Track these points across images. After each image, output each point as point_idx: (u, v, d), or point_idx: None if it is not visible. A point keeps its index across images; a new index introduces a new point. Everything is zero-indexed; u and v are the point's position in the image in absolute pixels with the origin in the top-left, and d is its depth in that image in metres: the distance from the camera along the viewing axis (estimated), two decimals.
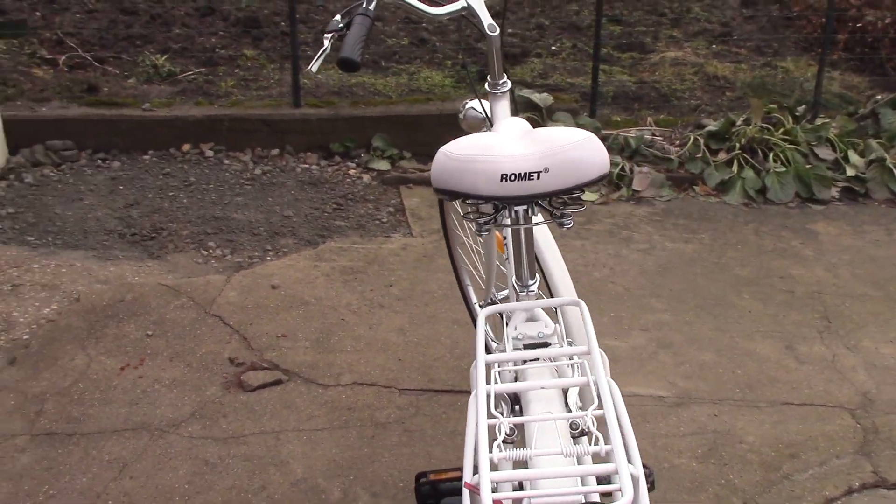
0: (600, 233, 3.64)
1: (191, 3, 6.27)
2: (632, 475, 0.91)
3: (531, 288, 1.40)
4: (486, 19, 1.75)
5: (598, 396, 1.05)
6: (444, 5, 1.77)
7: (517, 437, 1.08)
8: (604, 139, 4.39)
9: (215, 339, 2.75)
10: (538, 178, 1.15)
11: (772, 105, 4.50)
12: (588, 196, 4.01)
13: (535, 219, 1.91)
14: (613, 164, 4.15)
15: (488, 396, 1.07)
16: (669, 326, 2.92)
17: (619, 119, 4.70)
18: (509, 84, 1.87)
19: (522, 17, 6.32)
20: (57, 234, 3.48)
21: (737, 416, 2.46)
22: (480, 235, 1.26)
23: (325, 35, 1.61)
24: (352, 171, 4.19)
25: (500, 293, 2.27)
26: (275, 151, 4.30)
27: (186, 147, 4.29)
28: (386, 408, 2.44)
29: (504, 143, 1.16)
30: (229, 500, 2.07)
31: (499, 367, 1.14)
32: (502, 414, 1.06)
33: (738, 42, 6.02)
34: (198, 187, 3.95)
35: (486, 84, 1.85)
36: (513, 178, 1.14)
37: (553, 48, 5.84)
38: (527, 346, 1.26)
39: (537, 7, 6.53)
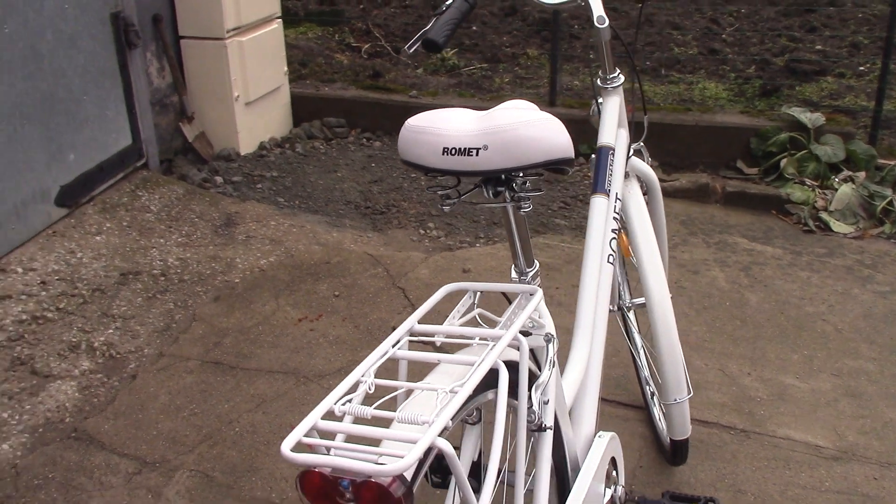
0: (837, 267, 3.30)
1: (498, 3, 6.56)
2: (426, 452, 0.89)
3: (528, 275, 1.36)
4: (597, 10, 1.71)
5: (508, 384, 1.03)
6: None
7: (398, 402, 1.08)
8: (878, 168, 3.96)
9: (390, 308, 2.91)
10: (477, 154, 1.13)
11: None
12: (840, 227, 3.66)
13: (633, 198, 1.84)
14: (880, 196, 3.74)
15: (386, 358, 1.08)
16: (868, 377, 2.60)
17: None
18: (621, 79, 1.81)
19: (834, 33, 5.83)
20: (304, 198, 3.86)
21: None
22: (443, 208, 1.26)
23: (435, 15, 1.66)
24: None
25: (637, 299, 2.20)
26: None
27: None
28: None
29: (455, 118, 1.16)
30: None
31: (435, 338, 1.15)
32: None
33: None
34: None
35: (598, 79, 1.80)
36: (454, 152, 1.13)
37: (861, 69, 5.33)
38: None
39: (858, 25, 5.99)
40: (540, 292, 1.25)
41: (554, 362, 1.27)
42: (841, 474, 2.19)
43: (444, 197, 1.23)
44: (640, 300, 2.24)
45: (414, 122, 1.16)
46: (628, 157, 1.88)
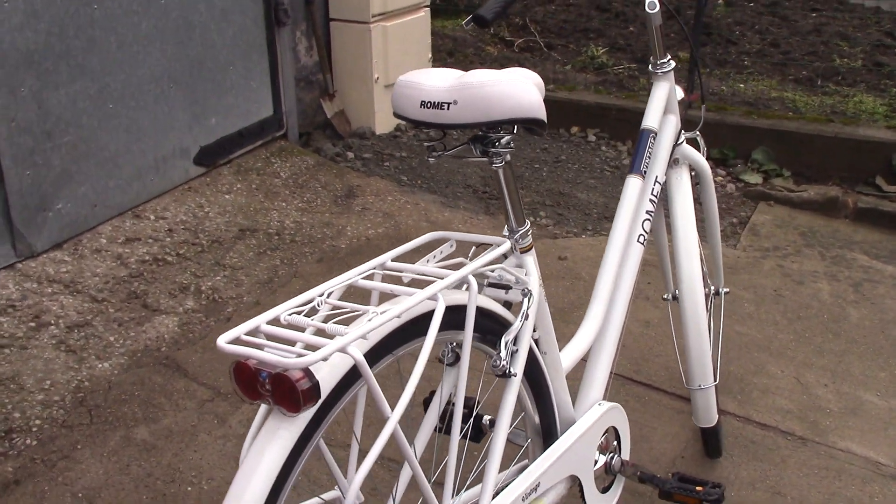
0: None
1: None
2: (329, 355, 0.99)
3: (518, 233, 1.44)
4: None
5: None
6: None
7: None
8: None
9: None
10: (447, 108, 1.22)
11: None
12: None
13: (679, 185, 1.85)
14: None
15: (347, 284, 1.20)
16: None
17: None
18: (672, 65, 1.84)
19: None
20: (426, 179, 4.02)
21: None
22: (428, 159, 1.35)
23: None
24: (718, 178, 4.10)
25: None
26: None
27: (575, 129, 4.57)
28: None
29: (436, 75, 1.25)
30: None
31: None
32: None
33: None
34: (563, 165, 4.22)
35: (649, 65, 1.84)
36: (429, 105, 1.23)
37: None
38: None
39: None
40: (506, 244, 1.33)
41: (528, 316, 1.35)
42: (894, 493, 2.12)
43: (430, 149, 1.33)
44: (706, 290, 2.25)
45: (403, 77, 1.27)
46: (678, 144, 1.90)
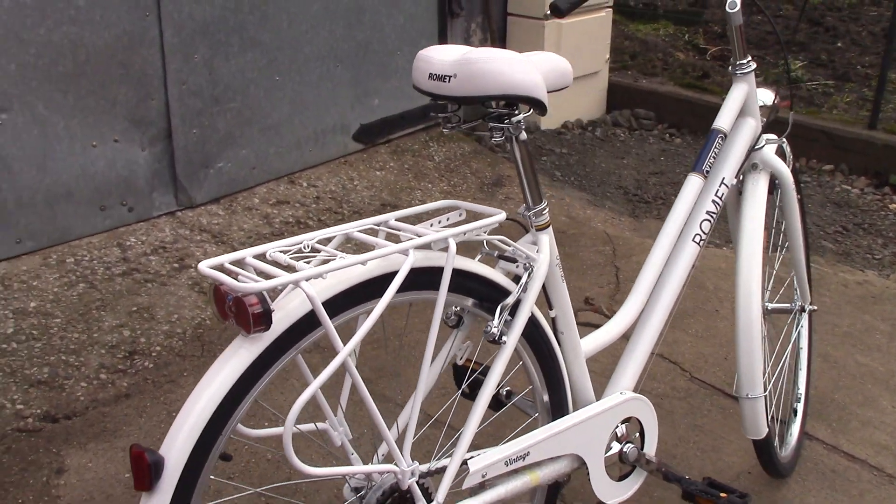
0: None
1: (881, 24, 6.12)
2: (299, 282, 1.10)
3: (533, 211, 1.48)
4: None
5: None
6: None
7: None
8: None
9: (594, 281, 3.03)
10: (448, 81, 1.28)
11: None
12: None
13: (753, 191, 1.81)
14: None
15: (342, 233, 1.31)
16: None
17: None
18: (752, 66, 1.80)
19: None
20: (579, 176, 4.05)
21: None
22: (443, 130, 1.41)
23: None
24: (892, 206, 3.85)
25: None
26: (828, 166, 4.16)
27: None
28: (674, 389, 2.48)
29: (447, 51, 1.31)
30: None
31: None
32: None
33: None
34: None
35: (730, 66, 1.82)
36: (434, 77, 1.30)
37: None
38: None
39: None
40: (500, 215, 1.38)
41: (526, 288, 1.40)
42: None
43: (445, 120, 1.41)
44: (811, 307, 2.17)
45: (422, 52, 1.35)
46: (756, 149, 1.86)
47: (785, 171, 1.90)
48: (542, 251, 1.46)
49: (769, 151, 1.89)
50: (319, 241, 1.27)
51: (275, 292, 1.18)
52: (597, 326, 2.53)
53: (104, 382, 2.35)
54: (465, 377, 1.60)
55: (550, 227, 1.49)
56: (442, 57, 1.30)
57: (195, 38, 3.03)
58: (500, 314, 1.38)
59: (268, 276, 1.13)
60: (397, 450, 1.26)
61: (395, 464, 1.28)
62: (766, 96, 1.91)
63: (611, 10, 4.66)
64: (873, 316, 2.91)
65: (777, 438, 2.09)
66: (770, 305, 2.13)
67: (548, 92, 1.40)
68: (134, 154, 2.97)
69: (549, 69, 1.38)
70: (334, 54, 3.55)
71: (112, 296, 2.67)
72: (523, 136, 1.40)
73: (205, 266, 1.16)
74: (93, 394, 2.30)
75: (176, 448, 1.11)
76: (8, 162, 2.67)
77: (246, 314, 1.11)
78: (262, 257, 1.23)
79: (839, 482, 2.13)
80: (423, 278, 1.30)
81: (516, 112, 1.36)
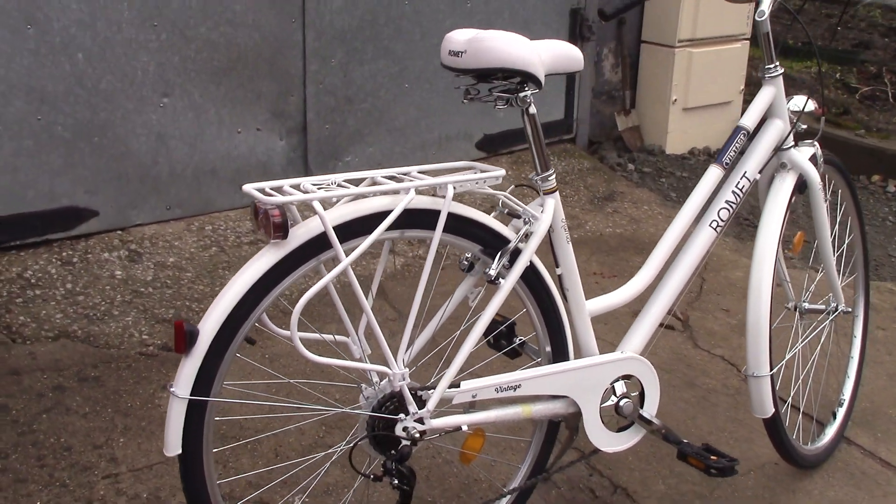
0: None
1: None
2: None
3: (540, 177, 1.70)
4: (763, 4, 1.91)
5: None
6: None
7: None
8: None
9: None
10: (460, 56, 1.54)
11: None
12: None
13: (777, 188, 1.95)
14: None
15: (365, 177, 1.59)
16: None
17: None
18: (779, 71, 1.96)
19: None
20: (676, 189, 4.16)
21: None
22: (463, 101, 1.65)
23: None
24: None
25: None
26: None
27: (877, 178, 4.39)
28: (725, 386, 2.61)
29: (468, 31, 1.57)
30: None
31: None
32: None
33: None
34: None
35: (759, 71, 1.99)
36: (451, 53, 1.56)
37: None
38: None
39: None
40: (499, 172, 1.62)
41: (525, 237, 1.64)
42: None
43: (466, 92, 1.67)
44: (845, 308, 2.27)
45: (447, 34, 1.62)
46: (783, 149, 2.01)
47: (813, 172, 2.03)
48: (546, 211, 1.69)
49: (798, 153, 2.03)
50: (348, 181, 1.57)
51: (303, 217, 1.49)
52: (670, 329, 2.72)
53: None
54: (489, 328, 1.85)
55: (557, 193, 1.72)
56: (458, 37, 1.57)
57: (333, 44, 3.44)
58: (500, 259, 1.63)
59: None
60: (389, 353, 1.53)
61: (388, 367, 1.54)
62: (802, 102, 2.05)
63: (748, 42, 4.76)
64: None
65: (801, 431, 2.19)
66: (806, 305, 2.25)
67: (556, 73, 1.64)
68: (273, 142, 3.40)
69: (556, 53, 1.62)
70: None
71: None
72: (532, 109, 1.65)
73: (248, 186, 1.48)
74: None
75: (208, 324, 1.43)
76: (166, 139, 3.15)
77: (269, 223, 1.42)
78: (297, 186, 1.53)
79: (865, 483, 2.20)
80: (427, 219, 1.56)
81: (525, 88, 1.61)
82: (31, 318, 2.64)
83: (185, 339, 1.42)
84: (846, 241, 2.38)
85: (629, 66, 4.59)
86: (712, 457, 1.82)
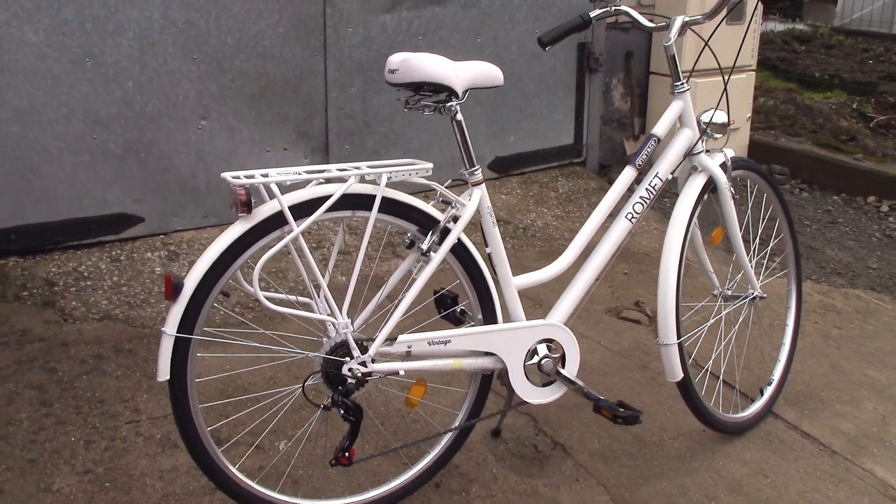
0: None
1: None
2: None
3: (468, 172, 2.09)
4: (671, 32, 2.28)
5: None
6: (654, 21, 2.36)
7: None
8: None
9: (651, 291, 3.50)
10: (395, 73, 1.94)
11: None
12: None
13: (688, 188, 2.30)
14: None
15: (321, 171, 2.01)
16: None
17: None
18: (685, 87, 2.32)
19: None
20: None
21: None
22: (404, 109, 2.06)
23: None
24: None
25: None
26: None
27: (872, 199, 4.64)
28: None
29: (398, 55, 1.97)
30: None
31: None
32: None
33: None
34: (835, 226, 4.37)
35: (669, 87, 2.35)
36: (389, 71, 1.97)
37: None
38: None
39: None
40: (426, 165, 2.01)
41: (453, 220, 2.03)
42: None
43: (406, 103, 2.07)
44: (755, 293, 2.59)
45: (389, 56, 2.03)
46: (693, 154, 2.36)
47: (720, 175, 2.37)
48: (472, 200, 2.08)
49: (707, 158, 2.38)
50: (309, 171, 1.98)
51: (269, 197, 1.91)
52: (637, 323, 3.08)
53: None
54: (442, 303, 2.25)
55: (483, 185, 2.11)
56: (394, 59, 1.98)
57: (352, 74, 3.90)
58: (430, 236, 2.02)
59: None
60: (335, 305, 1.93)
61: (335, 317, 1.94)
62: (721, 116, 2.40)
63: (753, 72, 5.07)
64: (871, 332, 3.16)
65: (721, 400, 2.51)
66: (729, 292, 2.58)
67: (479, 88, 2.04)
68: (298, 160, 3.86)
69: (476, 72, 2.01)
70: (474, 96, 4.29)
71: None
72: (459, 117, 2.04)
73: (225, 174, 1.90)
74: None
75: (190, 279, 1.84)
76: (204, 156, 3.63)
77: (237, 201, 1.84)
78: (266, 175, 1.96)
79: (781, 448, 2.50)
80: (369, 202, 1.96)
81: (451, 100, 2.01)
82: (81, 303, 3.12)
83: (172, 289, 1.84)
84: (774, 239, 2.70)
85: (637, 96, 4.95)
86: (620, 409, 2.17)
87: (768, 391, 2.66)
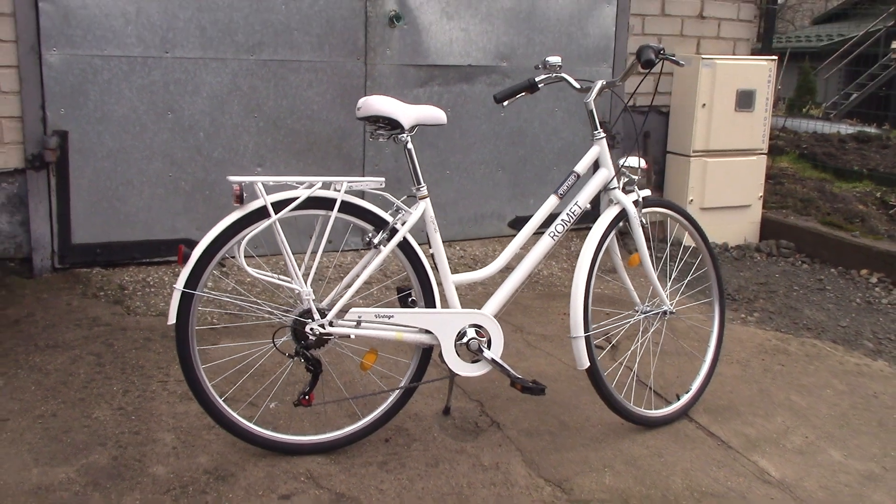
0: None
1: None
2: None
3: (415, 189, 2.72)
4: (590, 96, 2.90)
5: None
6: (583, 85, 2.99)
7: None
8: None
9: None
10: (359, 111, 2.63)
11: None
12: None
13: (602, 218, 2.87)
14: None
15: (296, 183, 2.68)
16: (884, 467, 2.83)
17: None
18: (601, 135, 2.92)
19: None
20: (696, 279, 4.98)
21: None
22: (370, 138, 2.72)
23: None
24: None
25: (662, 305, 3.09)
26: None
27: (864, 272, 5.03)
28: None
29: (364, 98, 2.65)
30: None
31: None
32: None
33: None
34: (821, 292, 4.78)
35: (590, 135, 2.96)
36: (357, 109, 2.65)
37: None
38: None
39: None
40: (379, 180, 2.66)
41: (401, 223, 2.66)
42: (761, 495, 2.72)
43: (373, 135, 2.74)
44: (665, 308, 3.10)
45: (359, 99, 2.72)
46: (609, 189, 2.94)
47: (631, 208, 2.94)
48: (417, 209, 2.72)
49: (621, 193, 2.95)
50: (297, 182, 2.67)
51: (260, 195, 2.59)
52: (599, 348, 3.61)
53: None
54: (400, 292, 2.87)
55: (427, 199, 2.75)
56: (361, 100, 2.67)
57: None
58: (381, 234, 2.67)
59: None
60: (300, 276, 2.58)
61: (299, 287, 2.59)
62: (634, 161, 2.99)
63: (764, 156, 5.58)
64: (841, 381, 3.57)
65: (633, 395, 3.01)
66: (647, 308, 3.11)
67: (425, 125, 2.70)
68: None
69: (423, 112, 2.67)
70: (497, 162, 4.97)
71: None
72: (409, 146, 2.70)
73: (231, 177, 2.61)
74: None
75: (195, 252, 2.54)
76: None
77: (233, 195, 2.54)
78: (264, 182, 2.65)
79: (683, 440, 2.97)
80: (332, 204, 2.62)
81: (403, 132, 2.67)
82: (143, 303, 3.87)
83: (183, 257, 2.53)
84: (696, 272, 3.22)
85: (653, 172, 5.52)
86: (531, 383, 2.72)
87: (685, 398, 3.14)
